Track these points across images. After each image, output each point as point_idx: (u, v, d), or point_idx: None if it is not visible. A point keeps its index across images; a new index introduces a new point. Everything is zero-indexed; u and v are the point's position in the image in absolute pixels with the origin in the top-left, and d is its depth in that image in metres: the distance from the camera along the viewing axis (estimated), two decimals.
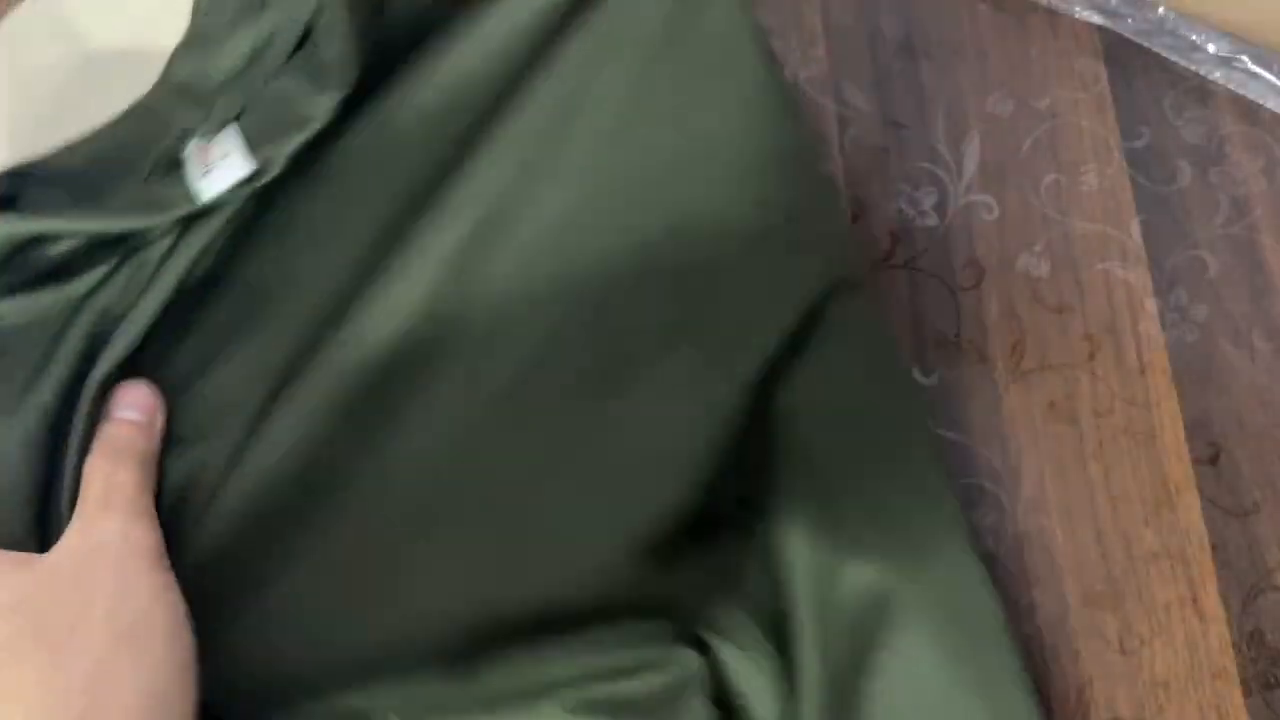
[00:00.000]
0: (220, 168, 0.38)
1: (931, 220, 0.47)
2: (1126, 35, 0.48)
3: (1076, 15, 0.48)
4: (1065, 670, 0.41)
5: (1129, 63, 0.48)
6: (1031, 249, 0.46)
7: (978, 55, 0.49)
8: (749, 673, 0.38)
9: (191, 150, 0.39)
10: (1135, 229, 0.46)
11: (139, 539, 0.34)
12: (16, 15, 0.46)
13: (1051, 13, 0.49)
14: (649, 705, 0.37)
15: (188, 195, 0.38)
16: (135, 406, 0.36)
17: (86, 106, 0.44)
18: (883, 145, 0.48)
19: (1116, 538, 0.43)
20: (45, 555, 0.33)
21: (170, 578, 0.34)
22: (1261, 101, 0.47)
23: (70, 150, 0.39)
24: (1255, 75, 0.47)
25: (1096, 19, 0.48)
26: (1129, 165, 0.47)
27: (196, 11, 0.41)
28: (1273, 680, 0.41)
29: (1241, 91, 0.47)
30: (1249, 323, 0.44)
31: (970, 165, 0.47)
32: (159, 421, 0.37)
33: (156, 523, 0.35)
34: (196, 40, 0.41)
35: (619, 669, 0.37)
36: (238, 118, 0.39)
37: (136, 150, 0.39)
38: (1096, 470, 0.43)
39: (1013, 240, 0.46)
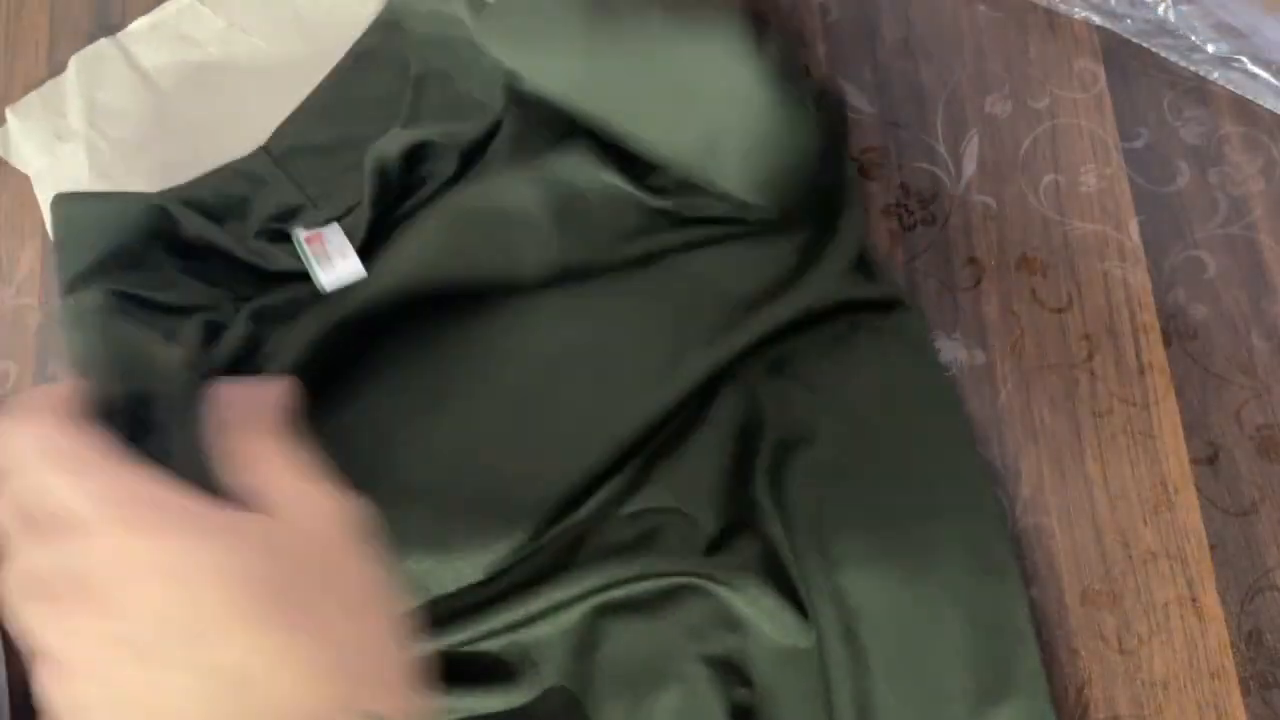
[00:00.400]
0: (340, 267, 0.44)
1: (931, 221, 0.47)
2: (1125, 36, 0.48)
3: (1075, 16, 0.48)
4: (1064, 669, 0.41)
5: (1128, 63, 0.48)
6: (1030, 249, 0.46)
7: (977, 56, 0.49)
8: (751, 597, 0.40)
9: (300, 236, 0.44)
10: (1134, 229, 0.46)
11: (354, 510, 0.33)
12: (90, 48, 0.49)
13: (1050, 13, 0.49)
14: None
15: (312, 280, 0.44)
16: (277, 393, 0.35)
17: (163, 148, 0.49)
18: (882, 145, 0.48)
19: (1115, 537, 0.43)
20: (275, 516, 0.31)
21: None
22: (1260, 102, 0.47)
23: (196, 185, 0.46)
24: (1254, 75, 0.47)
25: (1095, 19, 0.48)
26: (1128, 165, 0.47)
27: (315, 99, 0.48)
28: (1271, 679, 0.41)
29: (1240, 92, 0.47)
30: (1247, 322, 0.45)
31: (969, 165, 0.47)
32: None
33: None
34: (303, 121, 0.48)
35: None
36: (340, 218, 0.45)
37: (240, 204, 0.46)
38: (1095, 470, 0.43)
39: (1012, 240, 0.46)
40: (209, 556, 0.29)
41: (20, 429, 0.31)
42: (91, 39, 0.51)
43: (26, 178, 0.50)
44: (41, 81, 0.51)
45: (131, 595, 0.29)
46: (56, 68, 0.51)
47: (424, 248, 0.44)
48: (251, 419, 0.34)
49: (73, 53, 0.50)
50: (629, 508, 0.42)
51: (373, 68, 0.48)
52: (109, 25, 0.51)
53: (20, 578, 0.30)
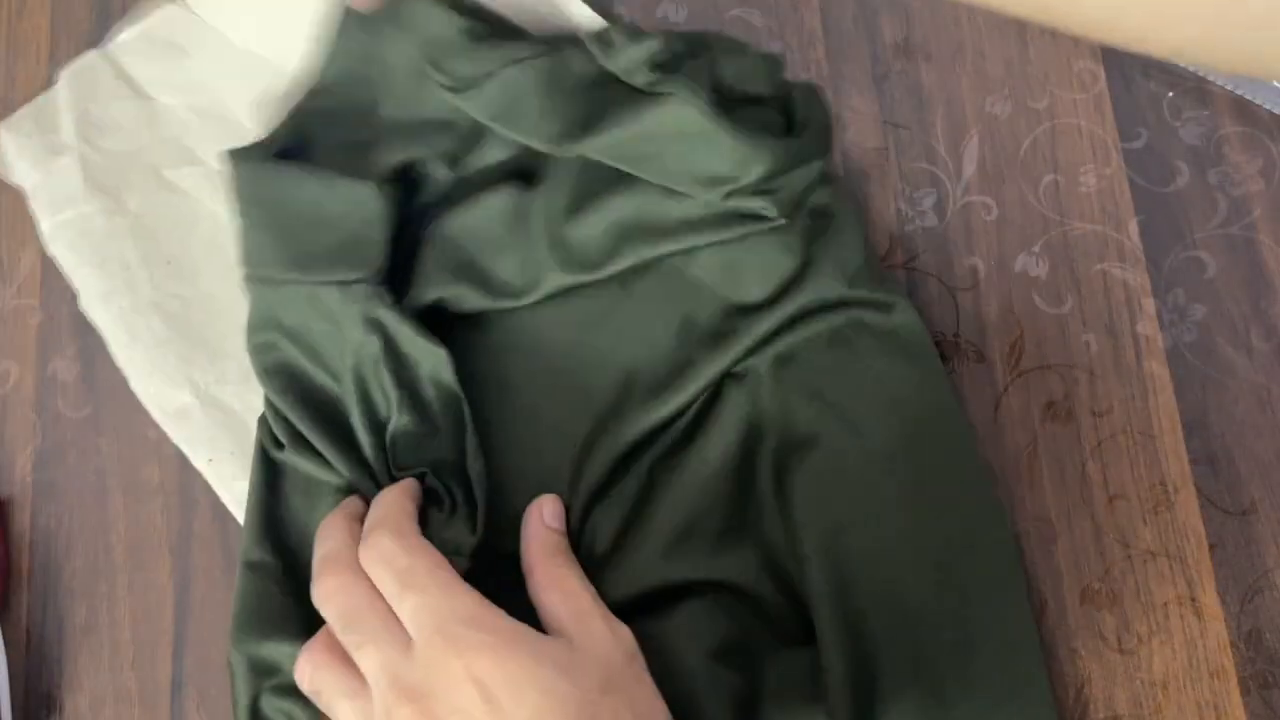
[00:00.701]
0: None
1: (930, 221, 0.47)
2: None
3: None
4: (1063, 669, 0.41)
5: (1127, 63, 0.48)
6: (1030, 249, 0.46)
7: (976, 56, 0.49)
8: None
9: None
10: (1133, 229, 0.46)
11: (630, 639, 0.38)
12: (79, 62, 0.49)
13: None
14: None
15: None
16: (559, 517, 0.42)
17: (155, 157, 0.49)
18: (882, 146, 0.48)
19: (1115, 536, 0.43)
20: (572, 639, 0.36)
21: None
22: (1260, 102, 0.47)
23: None
24: (1254, 75, 0.47)
25: None
26: (1127, 166, 0.47)
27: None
28: (1270, 679, 0.41)
29: (1240, 92, 0.47)
30: (1247, 322, 0.45)
31: (969, 166, 0.47)
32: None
33: None
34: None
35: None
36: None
37: None
38: (1095, 469, 0.43)
39: (1011, 241, 0.46)
40: (523, 675, 0.34)
41: (368, 540, 0.37)
42: (92, 41, 0.51)
43: None
44: (43, 82, 0.51)
45: (444, 703, 0.33)
46: (57, 69, 0.51)
47: (423, 285, 0.44)
48: (549, 539, 0.40)
49: (74, 55, 0.50)
50: (633, 511, 0.42)
51: (344, 77, 0.46)
52: (110, 28, 0.51)
53: (334, 668, 0.36)
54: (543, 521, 0.41)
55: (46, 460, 0.48)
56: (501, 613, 0.36)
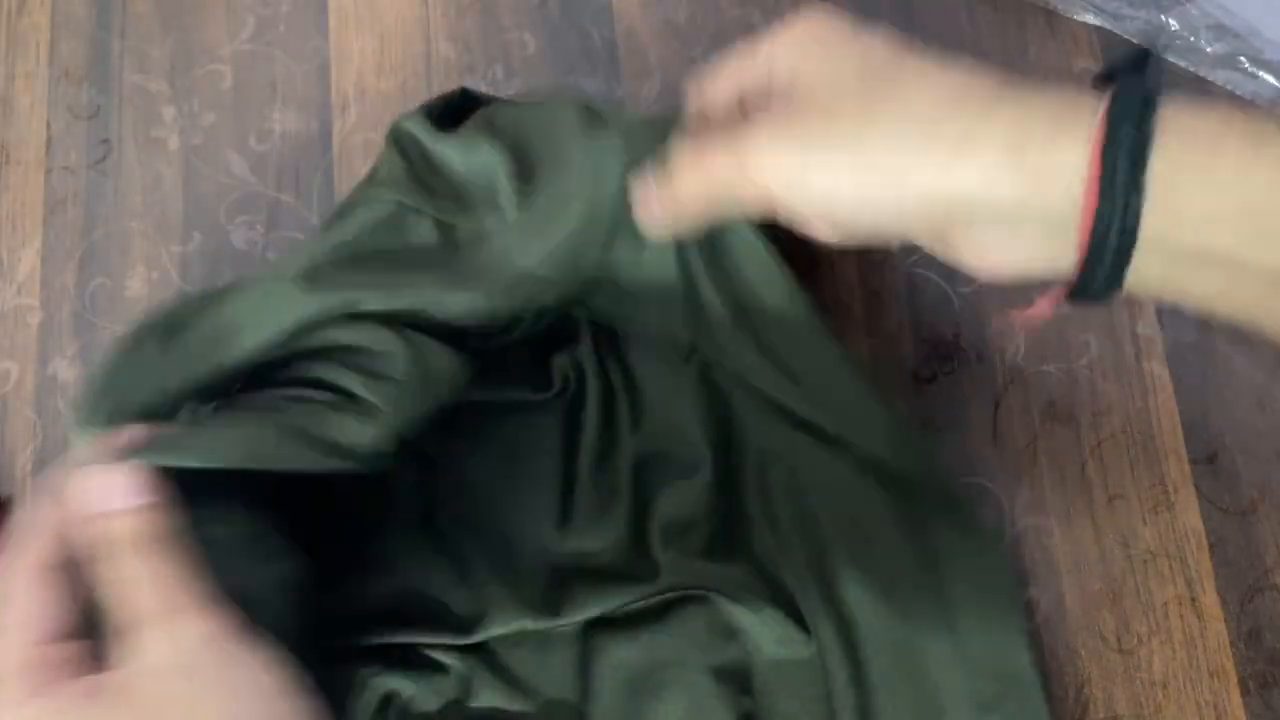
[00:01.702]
0: None
1: None
2: (1125, 36, 0.48)
3: (1075, 16, 0.48)
4: (1064, 669, 0.41)
5: None
6: None
7: (976, 56, 0.49)
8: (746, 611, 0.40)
9: None
10: None
11: (221, 626, 0.32)
12: None
13: (1050, 13, 0.49)
14: None
15: None
16: (125, 492, 0.33)
17: None
18: None
19: (1115, 537, 0.43)
20: (143, 653, 0.31)
21: (267, 654, 0.32)
22: (1260, 102, 0.47)
23: None
24: (1254, 76, 0.47)
25: (1095, 20, 0.48)
26: None
27: None
28: (1271, 679, 0.41)
29: (1240, 92, 0.47)
30: None
31: None
32: (159, 500, 0.33)
33: (223, 602, 0.32)
34: None
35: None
36: None
37: None
38: (1095, 469, 0.43)
39: None
40: None
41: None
42: (92, 39, 0.51)
43: (26, 178, 0.50)
44: (44, 81, 0.51)
45: None
46: (57, 68, 0.51)
47: None
48: (121, 535, 0.32)
49: (73, 53, 0.50)
50: (629, 522, 0.42)
51: None
52: (109, 25, 0.51)
53: None
54: (103, 511, 0.33)
55: (46, 460, 0.48)
56: (54, 658, 0.31)
